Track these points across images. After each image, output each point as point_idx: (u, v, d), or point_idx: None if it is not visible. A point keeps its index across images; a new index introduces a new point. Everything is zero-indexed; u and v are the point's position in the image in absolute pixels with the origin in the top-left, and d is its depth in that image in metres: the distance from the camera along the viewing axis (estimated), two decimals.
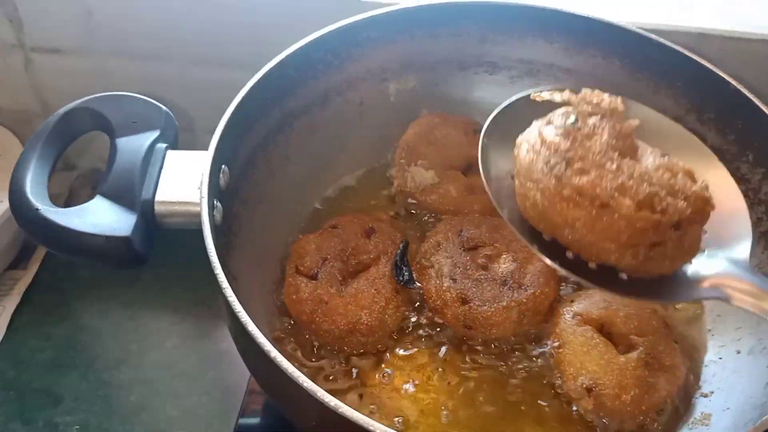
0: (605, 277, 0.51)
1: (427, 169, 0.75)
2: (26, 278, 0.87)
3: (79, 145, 0.94)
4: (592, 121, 0.51)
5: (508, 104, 0.59)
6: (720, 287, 0.51)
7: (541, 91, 0.57)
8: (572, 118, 0.52)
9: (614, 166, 0.49)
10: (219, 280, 0.51)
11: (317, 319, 0.65)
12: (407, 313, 0.68)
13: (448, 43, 0.78)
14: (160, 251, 0.64)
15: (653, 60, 0.73)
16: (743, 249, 0.53)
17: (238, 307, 0.50)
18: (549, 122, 0.53)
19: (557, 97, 0.55)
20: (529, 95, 0.58)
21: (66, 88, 0.90)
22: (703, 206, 0.50)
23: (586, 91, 0.54)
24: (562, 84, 0.79)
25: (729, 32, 0.76)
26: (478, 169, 0.75)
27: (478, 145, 0.76)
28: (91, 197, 0.59)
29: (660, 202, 0.48)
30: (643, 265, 0.50)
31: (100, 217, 0.57)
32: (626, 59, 0.75)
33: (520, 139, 0.55)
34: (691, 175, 0.52)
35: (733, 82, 0.69)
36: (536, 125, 0.54)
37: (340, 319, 0.64)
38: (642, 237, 0.48)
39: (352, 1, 0.75)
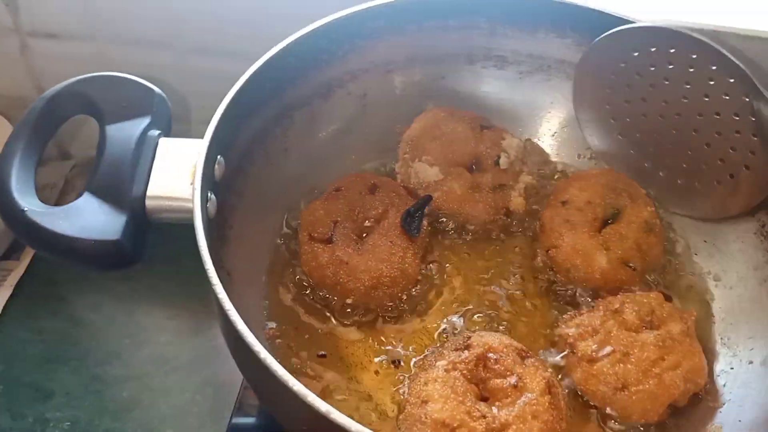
0: None
1: (432, 165, 0.73)
2: (19, 269, 0.85)
3: (71, 132, 0.92)
4: None
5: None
6: None
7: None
8: None
9: None
10: (210, 277, 0.49)
11: (341, 280, 0.65)
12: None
13: (457, 35, 0.75)
14: (153, 244, 0.62)
15: None
16: None
17: (228, 305, 0.48)
18: None
19: None
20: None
21: (63, 74, 0.88)
22: None
23: None
24: (571, 81, 0.76)
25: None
26: (484, 165, 0.73)
27: (484, 141, 0.74)
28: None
29: None
30: None
31: (89, 219, 0.54)
32: None
33: None
34: None
35: None
36: None
37: (364, 276, 0.65)
38: None
39: None
